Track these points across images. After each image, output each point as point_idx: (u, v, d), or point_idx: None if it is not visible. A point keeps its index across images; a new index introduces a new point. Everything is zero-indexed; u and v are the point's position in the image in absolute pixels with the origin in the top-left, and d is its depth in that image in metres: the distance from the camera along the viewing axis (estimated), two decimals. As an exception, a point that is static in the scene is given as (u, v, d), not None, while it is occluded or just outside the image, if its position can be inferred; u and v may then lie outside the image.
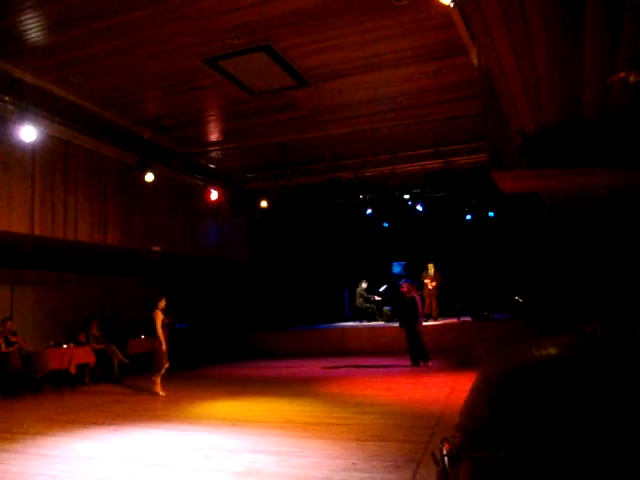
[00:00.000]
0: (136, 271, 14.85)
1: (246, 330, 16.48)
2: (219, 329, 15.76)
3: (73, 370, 11.02)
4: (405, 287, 12.25)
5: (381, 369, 12.08)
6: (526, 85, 4.00)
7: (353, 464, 5.27)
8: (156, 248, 12.84)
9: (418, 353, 12.04)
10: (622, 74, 3.86)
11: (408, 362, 12.10)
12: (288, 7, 7.40)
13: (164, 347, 9.89)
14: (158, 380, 10.01)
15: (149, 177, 11.70)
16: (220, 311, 16.13)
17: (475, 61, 8.32)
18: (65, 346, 11.19)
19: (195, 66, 8.81)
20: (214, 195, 13.94)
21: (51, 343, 11.37)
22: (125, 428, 7.45)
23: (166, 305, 10.15)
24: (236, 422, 7.54)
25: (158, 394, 9.93)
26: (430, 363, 11.95)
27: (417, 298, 12.13)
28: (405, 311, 12.20)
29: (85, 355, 11.45)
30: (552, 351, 0.67)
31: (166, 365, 10.13)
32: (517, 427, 0.62)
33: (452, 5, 5.47)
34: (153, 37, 8.06)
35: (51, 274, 12.76)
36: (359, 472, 4.99)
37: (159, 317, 9.95)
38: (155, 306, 10.00)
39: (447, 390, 9.26)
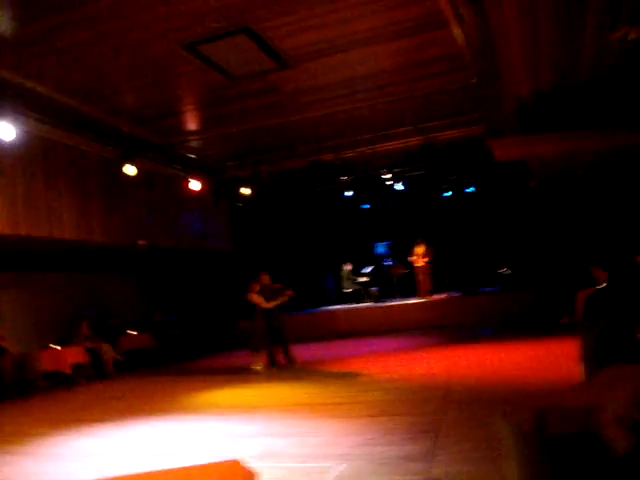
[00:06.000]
0: (121, 267, 14.68)
1: (234, 319, 16.38)
2: (208, 321, 15.66)
3: (68, 370, 10.87)
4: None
5: (375, 348, 12.14)
6: (527, 44, 3.99)
7: (370, 439, 5.27)
8: (142, 242, 12.69)
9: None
10: (623, 31, 3.87)
11: (407, 341, 12.11)
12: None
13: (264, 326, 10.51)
14: (262, 356, 10.46)
15: (131, 170, 11.49)
16: (208, 302, 16.01)
17: (457, 33, 8.30)
18: (58, 347, 11.04)
19: (174, 53, 8.63)
20: (195, 185, 13.78)
21: (42, 345, 11.23)
22: (129, 423, 7.36)
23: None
24: (242, 409, 7.51)
25: (257, 370, 10.29)
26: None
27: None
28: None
29: (78, 355, 11.29)
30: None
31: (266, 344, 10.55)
32: None
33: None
34: (129, 25, 7.87)
35: (36, 275, 12.55)
36: (379, 446, 4.99)
37: (257, 298, 10.56)
38: (249, 290, 10.69)
39: (447, 363, 9.33)
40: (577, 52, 4.29)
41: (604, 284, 7.49)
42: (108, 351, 12.10)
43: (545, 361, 8.42)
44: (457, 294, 15.50)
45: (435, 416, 5.81)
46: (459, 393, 7.01)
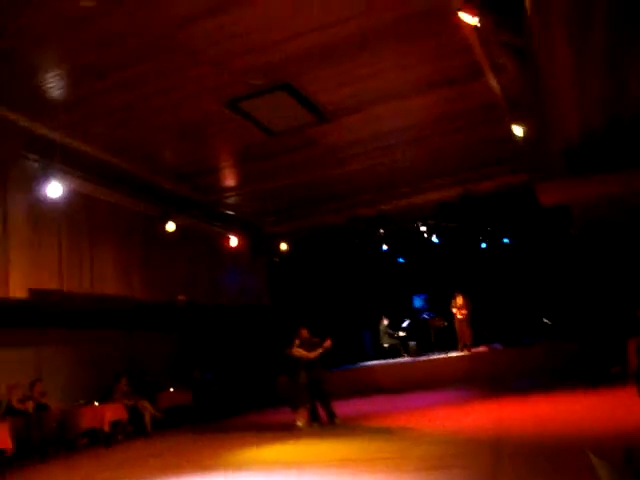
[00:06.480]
0: (160, 325, 14.75)
1: (273, 375, 16.22)
2: (247, 377, 15.54)
3: (107, 427, 10.78)
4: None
5: (417, 402, 11.84)
6: (574, 85, 3.98)
7: (425, 493, 5.07)
8: (182, 297, 12.77)
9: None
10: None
11: (449, 394, 11.82)
12: (307, 44, 7.48)
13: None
14: (303, 412, 10.17)
15: (171, 227, 11.71)
16: (246, 358, 15.92)
17: (494, 83, 8.38)
18: (97, 404, 11.01)
19: (216, 110, 8.87)
20: (234, 242, 13.95)
21: (81, 402, 11.21)
22: (173, 480, 7.22)
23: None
24: (287, 465, 7.29)
25: (299, 426, 9.96)
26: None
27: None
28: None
29: (118, 411, 11.22)
30: None
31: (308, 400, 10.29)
32: None
33: (478, 24, 5.49)
34: (173, 85, 8.14)
35: (76, 332, 12.66)
36: (436, 499, 4.79)
37: (300, 352, 10.43)
38: (292, 344, 10.58)
39: (493, 416, 9.02)
40: (625, 88, 4.27)
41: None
42: (147, 408, 12.02)
43: (599, 411, 8.09)
44: (498, 346, 15.16)
45: (491, 468, 5.57)
46: (511, 445, 6.75)
